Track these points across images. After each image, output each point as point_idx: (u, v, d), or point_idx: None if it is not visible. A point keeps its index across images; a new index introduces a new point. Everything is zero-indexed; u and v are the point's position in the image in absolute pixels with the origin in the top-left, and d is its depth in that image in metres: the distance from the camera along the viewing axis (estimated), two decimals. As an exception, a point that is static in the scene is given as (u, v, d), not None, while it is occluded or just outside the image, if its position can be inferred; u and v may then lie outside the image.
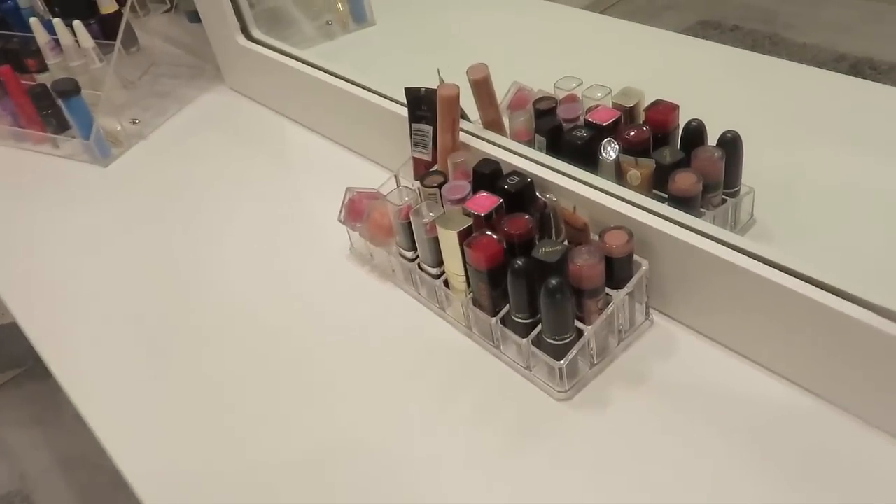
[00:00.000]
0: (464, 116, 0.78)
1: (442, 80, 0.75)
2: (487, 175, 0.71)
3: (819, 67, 0.93)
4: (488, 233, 0.65)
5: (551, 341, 0.63)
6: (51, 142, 1.12)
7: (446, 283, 0.72)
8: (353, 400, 0.68)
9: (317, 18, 1.20)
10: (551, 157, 0.73)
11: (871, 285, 0.55)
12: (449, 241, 0.68)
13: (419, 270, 0.75)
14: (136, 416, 0.71)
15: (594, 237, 0.66)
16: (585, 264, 0.61)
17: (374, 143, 0.95)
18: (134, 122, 1.14)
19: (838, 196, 0.74)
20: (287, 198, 0.96)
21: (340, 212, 0.80)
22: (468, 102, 0.76)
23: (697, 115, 0.71)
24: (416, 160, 0.80)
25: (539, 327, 0.64)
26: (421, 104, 0.77)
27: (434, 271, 0.73)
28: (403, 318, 0.76)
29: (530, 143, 0.77)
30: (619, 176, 0.70)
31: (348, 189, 0.80)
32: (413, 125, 0.79)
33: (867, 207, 0.72)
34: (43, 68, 1.13)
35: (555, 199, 0.69)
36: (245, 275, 0.85)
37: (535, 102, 0.78)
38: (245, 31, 1.09)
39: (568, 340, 0.63)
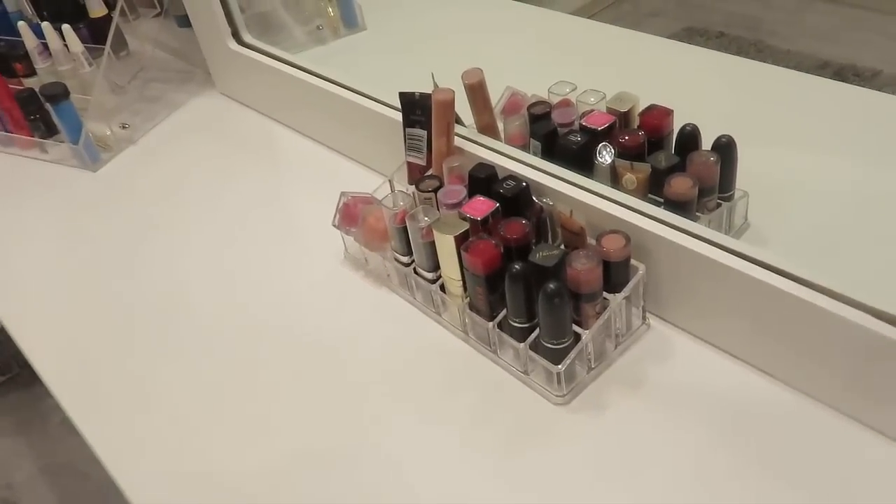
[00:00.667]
0: (458, 121, 0.78)
1: (436, 85, 0.75)
2: (483, 179, 0.71)
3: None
4: (485, 237, 0.65)
5: (549, 346, 0.63)
6: (39, 147, 1.11)
7: (442, 288, 0.72)
8: (348, 405, 0.68)
9: (307, 23, 1.20)
10: (547, 162, 0.73)
11: (865, 286, 0.55)
12: (445, 246, 0.67)
13: (415, 275, 0.75)
14: (128, 423, 0.71)
15: (591, 241, 0.66)
16: (583, 268, 0.61)
17: (367, 147, 0.95)
18: (123, 127, 1.13)
19: (829, 199, 0.74)
20: (279, 203, 0.95)
21: (334, 217, 0.80)
22: (462, 107, 0.76)
23: (687, 119, 0.71)
24: (410, 165, 0.80)
25: (536, 332, 0.64)
26: (415, 108, 0.77)
27: (430, 276, 0.73)
28: (399, 322, 0.75)
29: (525, 148, 0.77)
30: (615, 180, 0.70)
31: (343, 194, 0.80)
32: (407, 129, 0.79)
33: (857, 210, 0.73)
34: (31, 72, 1.12)
35: (551, 203, 0.69)
36: (237, 280, 0.84)
37: (529, 107, 0.78)
38: (236, 35, 1.09)
39: (565, 345, 0.63)
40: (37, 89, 1.06)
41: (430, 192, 0.73)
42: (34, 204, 1.03)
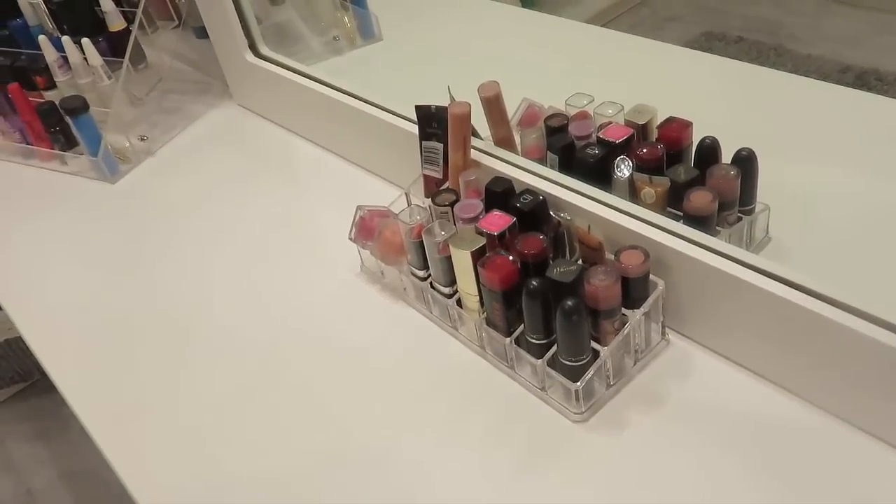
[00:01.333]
0: (474, 134, 0.78)
1: (452, 98, 0.75)
2: (500, 193, 0.71)
3: (824, 78, 0.93)
4: (502, 252, 0.65)
5: (567, 362, 0.62)
6: (59, 159, 1.12)
7: (459, 303, 0.71)
8: (365, 420, 0.68)
9: (324, 34, 1.20)
10: (564, 175, 0.72)
11: (890, 304, 0.54)
12: (462, 261, 0.67)
13: (431, 289, 0.74)
14: (141, 432, 0.71)
15: (609, 257, 0.65)
16: (601, 284, 0.61)
17: (384, 159, 0.95)
18: (142, 139, 1.14)
19: (853, 212, 0.73)
20: (296, 215, 0.96)
21: (351, 230, 0.80)
22: (478, 119, 0.76)
23: (706, 130, 0.70)
24: (426, 178, 0.80)
25: (554, 348, 0.63)
26: (432, 121, 0.77)
27: (446, 290, 0.72)
28: (415, 337, 0.75)
29: (542, 161, 0.76)
30: (633, 194, 0.70)
31: (359, 207, 0.80)
32: (423, 143, 0.79)
33: (884, 223, 0.71)
34: (51, 85, 1.13)
35: (569, 217, 0.68)
36: (254, 292, 0.84)
37: (546, 119, 0.78)
38: (253, 47, 1.09)
39: (584, 362, 0.62)
40: (57, 102, 1.07)
41: (446, 206, 0.72)
42: (53, 215, 1.04)
